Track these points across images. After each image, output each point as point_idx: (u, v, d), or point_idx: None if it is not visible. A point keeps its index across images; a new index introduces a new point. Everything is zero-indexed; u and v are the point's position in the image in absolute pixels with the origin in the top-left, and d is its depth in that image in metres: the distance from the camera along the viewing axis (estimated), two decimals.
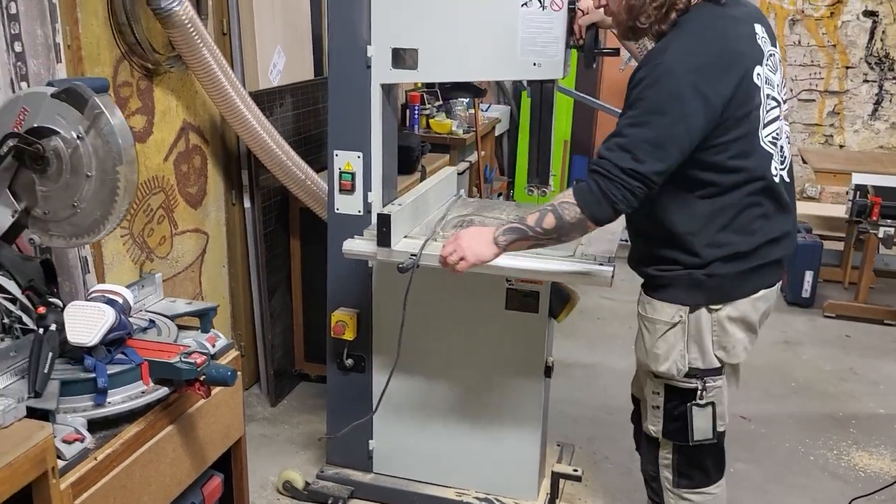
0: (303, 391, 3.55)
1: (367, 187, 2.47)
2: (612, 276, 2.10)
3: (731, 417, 3.31)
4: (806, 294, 4.64)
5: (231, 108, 2.73)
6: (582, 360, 3.91)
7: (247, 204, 3.22)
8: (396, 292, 2.52)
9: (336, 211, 2.52)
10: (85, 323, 1.66)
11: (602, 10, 2.04)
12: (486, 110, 5.42)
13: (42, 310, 1.65)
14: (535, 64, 2.22)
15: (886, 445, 3.19)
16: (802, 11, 5.81)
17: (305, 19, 3.46)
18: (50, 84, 1.69)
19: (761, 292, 1.94)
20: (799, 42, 5.85)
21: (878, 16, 5.70)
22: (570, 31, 2.19)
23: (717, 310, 1.92)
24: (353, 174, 2.47)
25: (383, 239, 2.25)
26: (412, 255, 2.19)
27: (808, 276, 4.60)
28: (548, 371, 2.51)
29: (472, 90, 2.42)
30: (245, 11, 3.02)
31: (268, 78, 3.18)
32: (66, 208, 1.69)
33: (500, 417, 2.56)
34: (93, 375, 1.64)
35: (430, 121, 4.42)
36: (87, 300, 1.76)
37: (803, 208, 5.63)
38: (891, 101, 5.81)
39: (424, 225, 2.44)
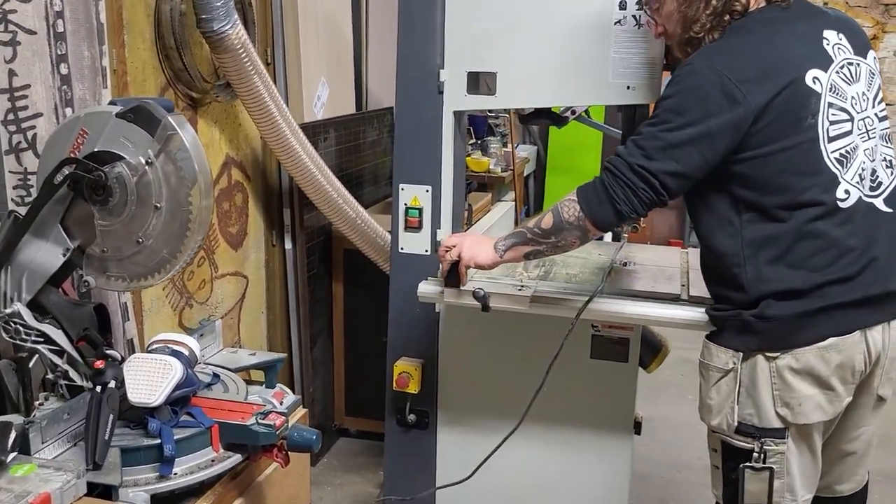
0: (343, 448, 3.28)
1: (437, 224, 2.25)
2: None
3: None
4: None
5: (281, 142, 2.52)
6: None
7: (288, 245, 2.99)
8: (465, 340, 2.30)
9: (400, 251, 2.29)
10: (148, 379, 1.42)
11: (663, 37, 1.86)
12: (508, 150, 5.25)
13: (100, 363, 1.40)
14: (628, 87, 2.02)
15: None
16: None
17: (348, 51, 3.29)
18: (112, 103, 1.47)
19: (830, 340, 1.62)
20: None
21: None
22: (667, 49, 2.00)
23: (774, 358, 1.64)
24: (420, 210, 2.25)
25: (452, 279, 2.01)
26: (477, 289, 1.98)
27: None
28: (637, 427, 2.26)
29: (553, 118, 2.21)
30: (290, 40, 2.84)
31: (312, 111, 2.98)
32: (129, 245, 1.46)
33: (582, 479, 2.29)
34: (157, 442, 1.39)
35: (467, 158, 4.22)
36: (147, 351, 1.51)
37: None
38: None
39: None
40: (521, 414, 2.15)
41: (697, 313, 1.86)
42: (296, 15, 2.81)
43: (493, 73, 2.11)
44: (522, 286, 1.99)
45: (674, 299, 1.92)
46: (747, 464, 1.68)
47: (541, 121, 2.24)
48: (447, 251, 1.91)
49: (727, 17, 1.66)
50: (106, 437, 1.31)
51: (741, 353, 1.67)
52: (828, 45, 1.67)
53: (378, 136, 3.58)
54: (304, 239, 2.98)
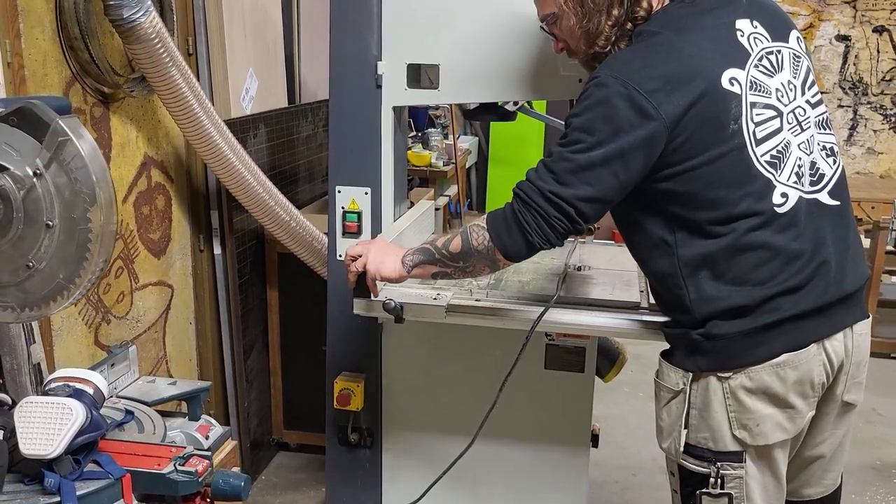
0: (283, 463, 3.09)
1: (377, 228, 2.08)
2: None
3: None
4: None
5: (205, 140, 2.31)
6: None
7: (217, 250, 2.77)
8: (410, 352, 2.14)
9: (339, 258, 2.12)
10: (44, 426, 1.21)
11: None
12: (450, 142, 5.10)
13: None
14: (580, 80, 1.88)
15: None
16: None
17: (278, 39, 3.07)
18: None
19: (784, 357, 1.50)
20: None
21: (850, 40, 5.63)
22: None
23: (726, 378, 1.52)
24: (359, 213, 2.08)
25: (361, 289, 1.82)
26: (388, 299, 1.82)
27: None
28: (594, 440, 2.14)
29: (501, 113, 2.06)
30: (214, 29, 2.61)
31: (240, 105, 2.76)
32: (15, 270, 1.24)
33: (538, 496, 2.17)
34: (57, 500, 1.19)
35: (408, 153, 4.05)
36: (43, 393, 1.31)
37: None
38: (865, 125, 5.73)
39: None
40: (471, 429, 2.00)
41: (659, 322, 1.74)
42: (219, 3, 2.59)
43: (436, 66, 1.95)
44: (438, 295, 1.84)
45: (633, 307, 1.80)
46: (704, 490, 1.56)
47: (487, 116, 2.09)
48: (353, 261, 1.75)
49: (630, 25, 1.54)
50: None
51: (691, 374, 1.55)
52: (742, 37, 1.52)
53: (313, 131, 3.38)
54: (235, 243, 2.77)
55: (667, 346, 1.65)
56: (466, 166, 5.44)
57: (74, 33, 2.01)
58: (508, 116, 2.07)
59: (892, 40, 5.51)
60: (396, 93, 1.98)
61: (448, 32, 1.93)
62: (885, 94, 5.56)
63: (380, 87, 1.98)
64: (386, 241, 1.79)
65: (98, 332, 2.25)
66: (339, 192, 2.07)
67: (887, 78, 5.58)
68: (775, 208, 1.47)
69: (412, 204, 3.19)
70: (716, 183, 1.46)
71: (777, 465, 1.58)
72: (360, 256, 1.73)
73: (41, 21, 1.95)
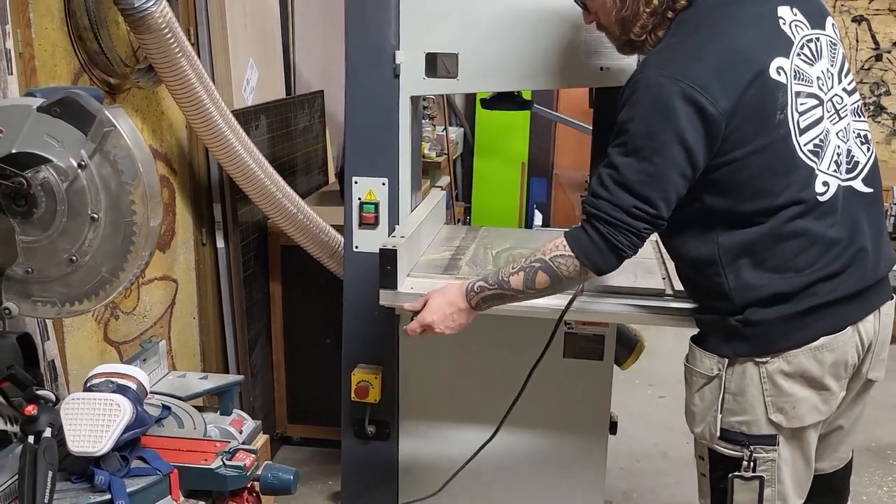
0: (287, 458, 3.06)
1: (395, 220, 2.07)
2: None
3: None
4: None
5: (213, 132, 2.27)
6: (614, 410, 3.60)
7: (220, 243, 2.73)
8: (428, 343, 2.13)
9: (355, 249, 2.10)
10: (91, 423, 1.19)
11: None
12: (442, 132, 5.08)
13: (32, 409, 1.17)
14: (602, 69, 1.89)
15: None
16: None
17: (276, 28, 3.03)
18: (30, 94, 1.22)
19: (822, 340, 1.52)
20: None
21: None
22: None
23: (763, 363, 1.53)
24: (376, 204, 2.06)
25: (387, 279, 1.83)
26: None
27: None
28: (612, 427, 2.16)
29: (520, 102, 2.05)
30: (215, 19, 2.57)
31: (242, 96, 2.73)
32: (60, 264, 1.22)
33: (557, 482, 2.18)
34: (107, 497, 1.17)
35: (422, 127, 4.03)
36: (86, 389, 1.28)
37: None
38: None
39: (427, 263, 2.03)
40: (487, 420, 2.01)
41: (686, 308, 1.76)
42: None
43: (454, 55, 1.94)
44: None
45: (659, 294, 1.81)
46: (736, 473, 1.58)
47: (505, 105, 2.08)
48: (421, 331, 1.71)
49: (669, 14, 1.52)
50: (46, 500, 1.09)
51: (727, 360, 1.56)
52: (784, 24, 1.52)
53: (309, 122, 3.35)
54: (238, 236, 2.73)
55: (694, 331, 1.67)
56: (454, 157, 5.43)
57: (84, 23, 1.97)
58: (526, 105, 2.07)
59: (870, 30, 5.60)
60: (414, 82, 1.97)
61: (466, 21, 1.92)
62: (864, 83, 5.64)
63: (397, 76, 1.97)
64: (441, 293, 1.70)
65: (107, 329, 2.22)
66: (356, 182, 2.05)
67: (866, 67, 5.67)
68: (818, 197, 1.49)
69: None
70: (762, 173, 1.47)
71: (808, 447, 1.60)
72: (428, 326, 1.69)
73: (50, 10, 1.90)
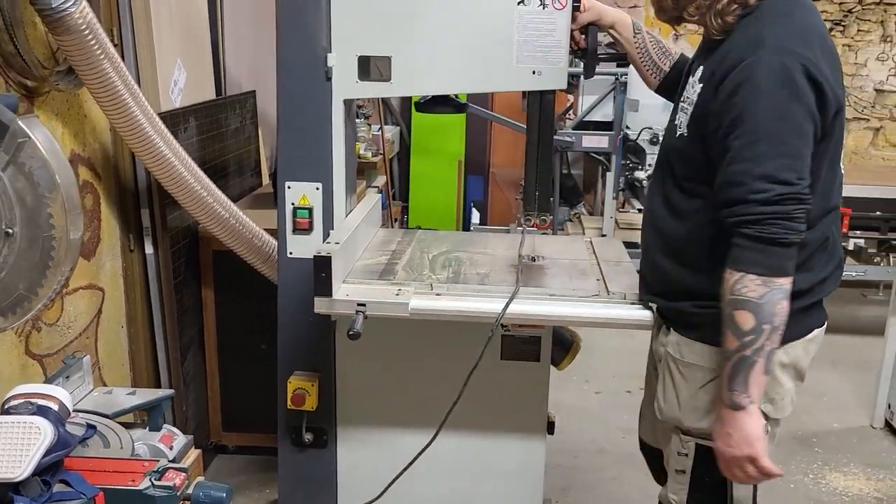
0: (221, 466, 3.00)
1: (329, 224, 2.04)
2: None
3: None
4: None
5: (139, 135, 2.19)
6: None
7: (149, 249, 2.65)
8: (365, 349, 2.11)
9: (289, 255, 2.06)
10: (9, 448, 1.13)
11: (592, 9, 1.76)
12: (377, 132, 5.06)
13: None
14: (534, 72, 1.90)
15: (856, 463, 3.11)
16: (685, 26, 5.89)
17: (204, 27, 2.96)
18: None
19: (814, 332, 1.62)
20: None
21: None
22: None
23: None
24: (310, 209, 2.03)
25: (322, 287, 1.79)
26: (359, 304, 1.78)
27: None
28: (550, 427, 2.17)
29: (455, 105, 2.05)
30: (140, 18, 2.49)
31: (169, 97, 2.65)
32: None
33: (497, 483, 2.19)
34: None
35: (356, 131, 3.99)
36: (4, 412, 1.22)
37: None
38: None
39: (363, 268, 2.00)
40: (426, 423, 2.01)
41: (621, 310, 1.78)
42: None
43: (387, 58, 1.92)
44: (400, 290, 1.83)
45: (593, 296, 1.83)
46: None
47: (440, 108, 2.07)
48: (737, 470, 1.55)
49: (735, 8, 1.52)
50: None
51: None
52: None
53: (241, 124, 3.28)
54: (168, 242, 2.65)
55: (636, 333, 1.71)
56: (390, 156, 5.40)
57: None
58: (461, 109, 2.06)
59: None
60: (347, 85, 1.94)
61: (399, 24, 1.90)
62: None
63: (330, 79, 1.94)
64: (715, 432, 1.56)
65: (29, 342, 2.12)
66: (289, 187, 2.02)
67: None
68: (839, 201, 1.59)
69: None
70: (827, 173, 1.52)
71: (773, 439, 1.65)
72: (742, 461, 1.52)
73: None
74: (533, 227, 2.02)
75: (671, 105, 1.79)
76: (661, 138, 4.73)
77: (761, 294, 1.43)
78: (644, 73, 2.05)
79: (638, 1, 5.89)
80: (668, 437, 1.74)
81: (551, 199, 2.02)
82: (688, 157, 1.61)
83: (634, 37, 2.02)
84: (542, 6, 1.86)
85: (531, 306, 1.79)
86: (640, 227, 1.81)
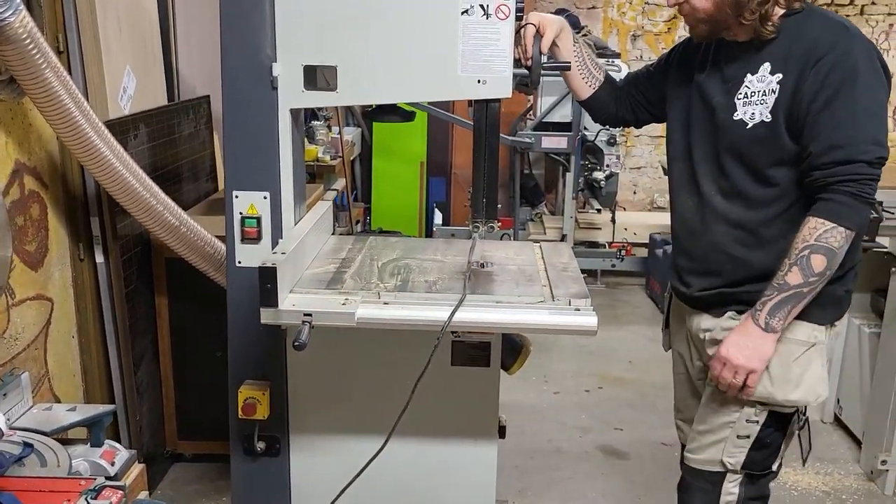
0: (179, 476, 2.98)
1: (278, 234, 2.03)
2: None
3: (653, 446, 3.20)
4: None
5: (84, 144, 2.18)
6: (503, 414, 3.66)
7: (99, 258, 2.63)
8: (316, 356, 2.10)
9: (238, 265, 2.06)
10: None
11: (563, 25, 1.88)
12: (338, 133, 5.04)
13: None
14: (479, 81, 1.91)
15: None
16: (642, 27, 5.98)
17: (155, 33, 2.93)
18: None
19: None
20: (641, 56, 6.00)
21: None
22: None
23: (833, 327, 1.85)
24: (258, 218, 2.02)
25: (268, 297, 1.78)
26: (305, 315, 1.78)
27: None
28: (501, 431, 2.19)
29: (402, 114, 2.05)
30: (86, 25, 2.46)
31: (118, 104, 2.62)
32: None
33: (449, 488, 2.20)
34: None
35: (304, 139, 3.97)
36: None
37: (659, 218, 5.76)
38: None
39: (311, 277, 2.00)
40: (380, 430, 2.01)
41: (563, 316, 1.81)
42: None
43: (333, 67, 1.92)
44: (347, 300, 1.83)
45: (539, 302, 1.85)
46: (798, 424, 1.87)
47: (387, 117, 2.08)
48: (731, 377, 1.79)
49: (779, 11, 1.73)
50: None
51: (823, 326, 1.81)
52: None
53: (195, 129, 3.26)
54: (119, 251, 2.63)
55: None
56: (351, 158, 5.39)
57: None
58: (408, 117, 2.07)
59: None
60: (293, 95, 1.94)
61: (345, 33, 1.90)
62: None
63: (275, 89, 1.93)
64: (729, 337, 1.80)
65: None
66: (237, 197, 2.01)
67: None
68: None
69: None
70: None
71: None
72: (732, 367, 1.77)
73: None
74: (498, 224, 2.02)
75: None
76: (610, 137, 4.78)
77: (840, 245, 1.67)
78: (579, 82, 2.14)
79: (596, 2, 5.95)
80: (727, 410, 1.88)
81: (500, 205, 2.03)
82: (774, 143, 1.76)
83: (574, 44, 2.08)
84: (485, 16, 1.87)
85: (477, 314, 1.80)
86: (684, 226, 1.96)
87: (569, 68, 2.04)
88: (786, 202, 1.78)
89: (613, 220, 5.23)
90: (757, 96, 1.77)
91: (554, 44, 2.01)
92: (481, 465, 2.18)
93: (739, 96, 1.80)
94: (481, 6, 1.86)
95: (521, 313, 1.81)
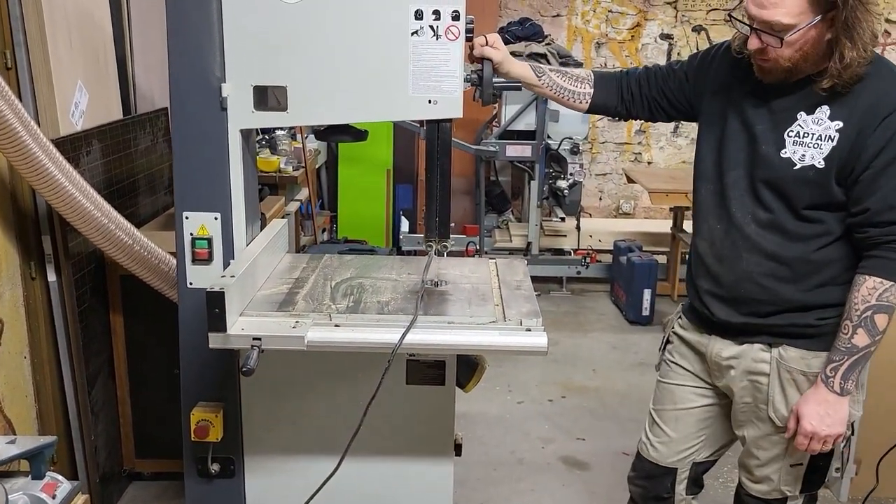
0: (137, 495, 2.94)
1: (230, 254, 2.02)
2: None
3: (614, 456, 3.22)
4: (646, 312, 4.72)
5: (31, 164, 2.14)
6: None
7: (51, 277, 2.58)
8: (269, 377, 2.10)
9: (189, 286, 2.04)
10: None
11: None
12: (306, 140, 5.02)
13: None
14: (430, 101, 1.91)
15: None
16: (606, 35, 6.02)
17: (108, 47, 2.89)
18: None
19: None
20: (605, 64, 6.04)
21: (672, 38, 6.03)
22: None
23: None
24: (209, 239, 2.00)
25: (216, 322, 1.76)
26: (254, 339, 1.77)
27: (647, 294, 4.68)
28: (458, 449, 2.19)
29: (354, 133, 2.05)
30: (35, 40, 2.42)
31: (69, 121, 2.58)
32: None
33: None
34: None
35: (256, 158, 3.94)
36: None
37: (624, 225, 5.81)
38: None
39: (263, 299, 1.98)
40: (336, 450, 2.00)
41: (514, 337, 1.81)
42: (40, 10, 2.40)
43: (283, 88, 1.91)
44: (297, 323, 1.82)
45: (491, 323, 1.85)
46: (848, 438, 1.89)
47: (339, 137, 2.07)
48: (814, 443, 1.82)
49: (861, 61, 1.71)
50: None
51: None
52: None
53: (152, 142, 3.22)
54: (71, 269, 2.59)
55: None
56: (317, 166, 5.37)
57: None
58: (360, 136, 2.06)
59: (709, 39, 5.96)
60: (243, 115, 1.92)
61: (294, 53, 1.89)
62: None
63: (225, 109, 1.91)
64: (804, 402, 1.82)
65: None
66: (187, 218, 1.99)
67: None
68: None
69: (263, 215, 3.13)
70: None
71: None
72: (812, 440, 1.80)
73: None
74: (451, 243, 2.02)
75: (588, 117, 1.98)
76: (573, 146, 4.80)
77: None
78: (566, 104, 2.13)
79: (560, 10, 5.98)
80: (774, 441, 1.92)
81: (451, 225, 2.03)
82: (822, 188, 1.76)
83: (539, 80, 2.08)
84: (435, 37, 1.87)
85: (428, 335, 1.80)
86: (711, 250, 1.93)
87: (519, 88, 2.05)
88: (825, 240, 1.79)
89: (578, 228, 5.26)
90: (811, 139, 1.75)
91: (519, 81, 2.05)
92: (437, 483, 2.18)
93: (790, 133, 1.78)
94: (431, 27, 1.87)
95: (472, 334, 1.81)
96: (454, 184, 5.51)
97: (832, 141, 1.73)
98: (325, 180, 5.86)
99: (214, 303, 1.73)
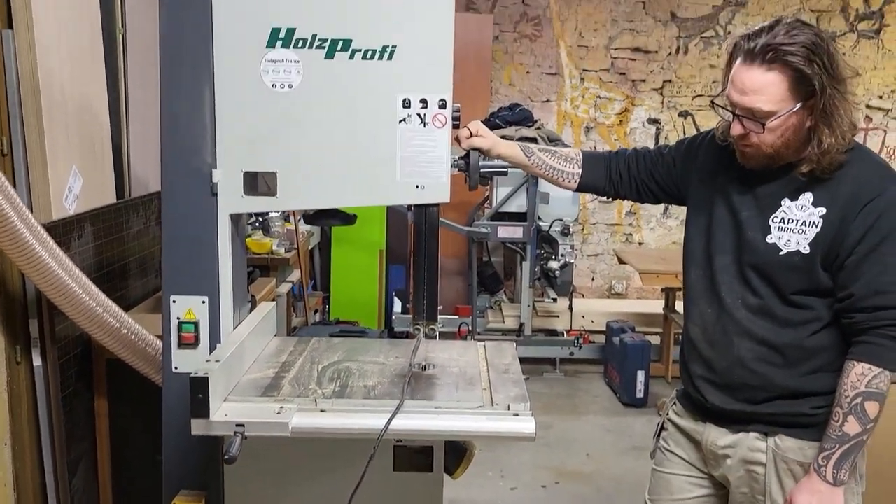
0: None
1: (216, 338, 2.01)
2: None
3: None
4: (640, 394, 4.67)
5: (21, 248, 2.14)
6: None
7: (36, 361, 2.56)
8: (254, 464, 2.05)
9: (174, 370, 2.02)
10: None
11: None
12: (298, 222, 5.06)
13: None
14: (417, 186, 1.94)
15: None
16: (595, 119, 6.17)
17: (105, 132, 2.95)
18: None
19: None
20: (594, 147, 6.16)
21: (660, 123, 6.19)
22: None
23: None
24: (196, 323, 2.00)
25: (199, 408, 1.74)
26: (238, 425, 1.74)
27: (641, 375, 4.64)
28: None
29: (343, 217, 2.07)
30: (32, 127, 2.47)
31: (62, 205, 2.61)
32: None
33: None
34: None
35: (247, 240, 3.97)
36: None
37: (617, 306, 5.81)
38: None
39: (248, 384, 1.95)
40: None
41: (502, 423, 1.79)
42: (38, 99, 2.46)
43: (273, 174, 1.94)
44: (282, 409, 1.79)
45: (478, 408, 1.83)
46: None
47: (328, 221, 2.09)
48: None
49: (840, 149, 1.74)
50: None
51: None
52: None
53: (145, 225, 3.25)
54: (57, 353, 2.57)
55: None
56: (310, 247, 5.40)
57: None
58: (349, 220, 2.08)
59: (695, 123, 6.11)
60: (233, 200, 1.95)
61: (284, 140, 1.92)
62: None
63: (215, 194, 1.94)
64: (797, 492, 1.78)
65: None
66: (175, 301, 1.98)
67: None
68: None
69: (253, 297, 3.13)
70: None
71: None
72: None
73: None
74: (441, 326, 2.02)
75: (579, 198, 2.04)
76: (564, 228, 4.84)
77: (887, 387, 1.70)
78: (556, 183, 2.17)
79: (549, 95, 6.14)
80: None
81: (440, 307, 2.03)
82: (808, 273, 1.77)
83: (529, 160, 2.12)
84: (422, 124, 1.91)
85: (414, 421, 1.78)
86: (703, 335, 1.93)
87: (506, 174, 2.09)
88: (816, 326, 1.79)
89: (571, 309, 5.26)
90: (795, 224, 1.78)
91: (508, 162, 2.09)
92: None
93: (775, 219, 1.80)
94: (419, 115, 1.91)
95: (459, 420, 1.79)
96: (447, 264, 5.52)
97: (816, 227, 1.75)
98: (318, 261, 5.88)
99: (198, 388, 1.71)
